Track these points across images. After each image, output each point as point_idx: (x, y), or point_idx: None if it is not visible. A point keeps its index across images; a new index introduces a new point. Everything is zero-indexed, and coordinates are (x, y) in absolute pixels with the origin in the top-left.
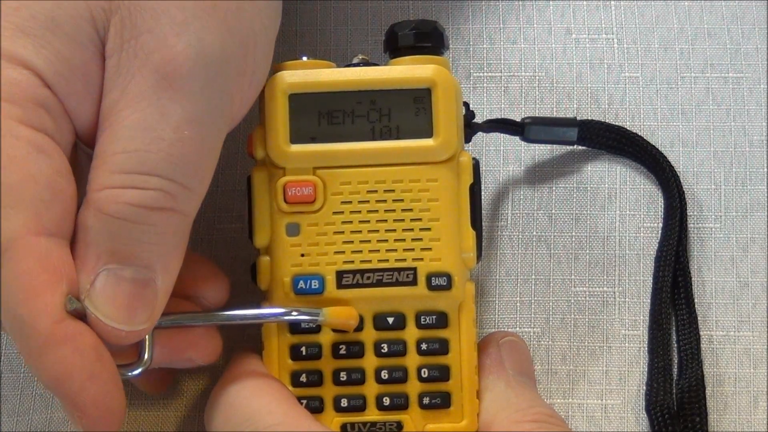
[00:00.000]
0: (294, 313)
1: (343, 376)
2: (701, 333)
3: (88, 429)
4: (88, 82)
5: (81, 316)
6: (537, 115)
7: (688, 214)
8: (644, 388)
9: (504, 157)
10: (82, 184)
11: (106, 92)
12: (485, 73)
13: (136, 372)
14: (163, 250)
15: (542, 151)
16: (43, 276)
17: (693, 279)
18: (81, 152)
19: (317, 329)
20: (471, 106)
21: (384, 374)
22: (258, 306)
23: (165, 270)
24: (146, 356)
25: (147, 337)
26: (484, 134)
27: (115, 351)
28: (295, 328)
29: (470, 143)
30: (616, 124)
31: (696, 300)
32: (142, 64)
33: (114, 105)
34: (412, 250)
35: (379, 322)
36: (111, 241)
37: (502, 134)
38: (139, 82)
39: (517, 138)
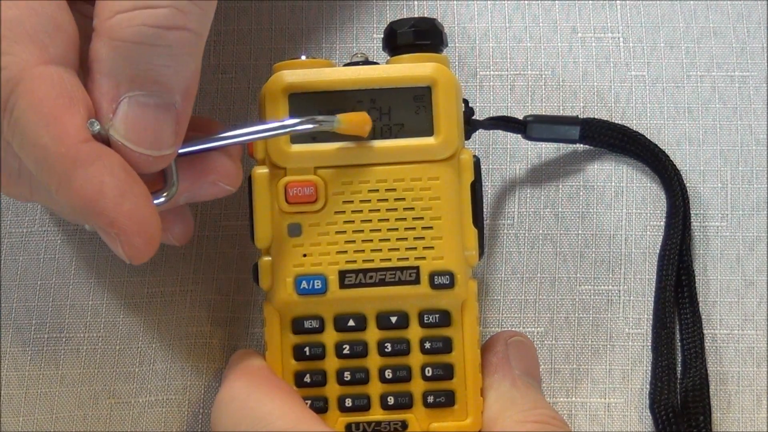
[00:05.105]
0: (309, 123)
1: (347, 375)
2: (705, 331)
3: (128, 243)
4: None
5: (104, 142)
6: (543, 113)
7: (694, 212)
8: (648, 386)
9: (510, 156)
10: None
11: None
12: (491, 72)
13: (163, 198)
14: (181, 72)
15: (548, 149)
16: (60, 100)
17: (698, 277)
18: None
19: (320, 329)
20: (477, 104)
21: (388, 373)
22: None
23: (184, 92)
24: (174, 179)
25: (172, 164)
26: (491, 133)
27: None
28: (298, 328)
29: (472, 141)
30: (623, 122)
31: (701, 298)
32: None
33: None
34: (415, 248)
35: (383, 322)
36: (128, 67)
37: (508, 133)
38: None
39: (523, 136)
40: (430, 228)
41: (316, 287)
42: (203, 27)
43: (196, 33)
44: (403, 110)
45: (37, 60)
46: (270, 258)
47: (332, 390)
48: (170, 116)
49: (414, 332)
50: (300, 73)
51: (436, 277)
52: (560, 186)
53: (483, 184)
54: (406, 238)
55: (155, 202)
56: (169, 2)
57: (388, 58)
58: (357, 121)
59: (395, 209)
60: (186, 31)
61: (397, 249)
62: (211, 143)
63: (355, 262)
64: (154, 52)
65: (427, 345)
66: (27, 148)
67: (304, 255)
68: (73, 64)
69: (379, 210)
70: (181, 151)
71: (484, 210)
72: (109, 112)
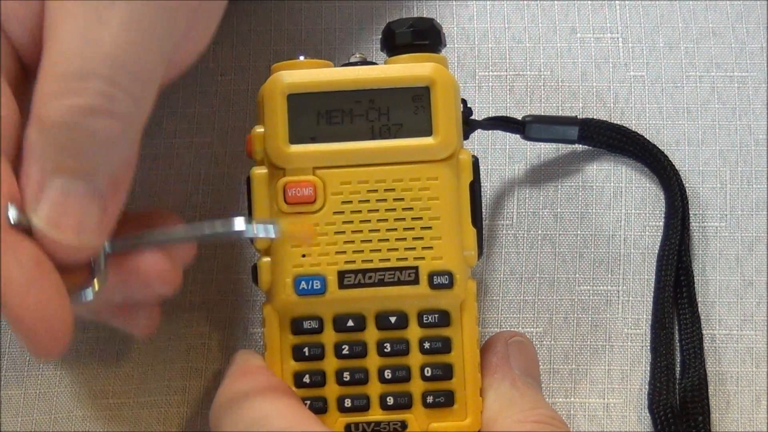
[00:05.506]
0: (249, 228)
1: (347, 376)
2: (704, 332)
3: (30, 339)
4: (28, 4)
5: (24, 230)
6: (542, 113)
7: (693, 212)
8: (647, 387)
9: (509, 156)
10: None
11: (47, 10)
12: (490, 73)
13: (88, 296)
14: (108, 160)
15: (548, 149)
16: None
17: (697, 278)
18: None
19: (319, 329)
20: (476, 105)
21: (387, 374)
22: (213, 219)
23: (112, 181)
24: (101, 274)
25: (99, 258)
26: (490, 133)
27: (70, 284)
28: (297, 328)
29: (470, 141)
30: (622, 122)
31: (700, 299)
32: None
33: (53, 20)
34: (414, 248)
35: (382, 322)
36: (54, 153)
37: (507, 133)
38: None
39: (522, 137)
40: (429, 228)
41: (315, 288)
42: (134, 114)
43: (126, 119)
44: (401, 110)
45: None
46: (269, 259)
47: (331, 390)
48: (95, 204)
49: (413, 332)
50: (298, 74)
51: (435, 277)
52: (559, 186)
53: (482, 184)
54: (405, 239)
55: (82, 299)
56: (97, 86)
57: (387, 58)
58: (300, 228)
59: (394, 209)
60: (114, 118)
61: (396, 249)
62: (145, 241)
63: (354, 262)
64: (80, 137)
65: (427, 345)
66: None
67: (303, 255)
68: (4, 150)
69: (377, 210)
70: (114, 246)
71: (483, 210)
72: (33, 198)
